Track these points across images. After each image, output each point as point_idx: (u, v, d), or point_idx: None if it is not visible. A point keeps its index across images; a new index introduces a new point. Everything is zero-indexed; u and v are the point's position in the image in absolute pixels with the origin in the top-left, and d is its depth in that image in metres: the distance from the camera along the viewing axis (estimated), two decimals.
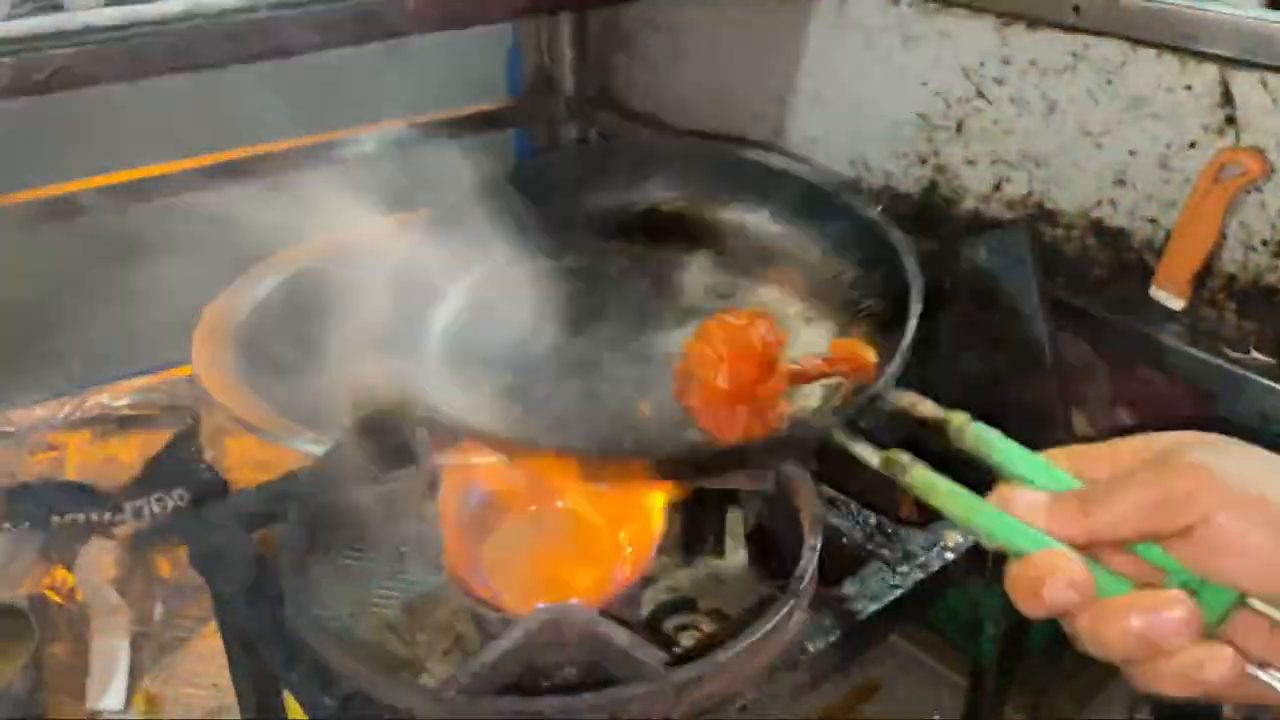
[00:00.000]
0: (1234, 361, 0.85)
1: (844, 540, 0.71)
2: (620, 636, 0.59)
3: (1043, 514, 0.43)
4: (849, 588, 0.67)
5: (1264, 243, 0.84)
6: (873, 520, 0.73)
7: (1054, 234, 0.98)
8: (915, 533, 0.71)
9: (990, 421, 0.85)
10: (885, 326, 0.66)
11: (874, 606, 0.65)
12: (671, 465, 0.61)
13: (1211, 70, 0.82)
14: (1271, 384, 0.82)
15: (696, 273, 0.76)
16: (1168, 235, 0.89)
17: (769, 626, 0.60)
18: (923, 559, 0.69)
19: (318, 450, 0.94)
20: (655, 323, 0.72)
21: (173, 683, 0.95)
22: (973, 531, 0.44)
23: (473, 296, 0.74)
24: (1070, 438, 0.80)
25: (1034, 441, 0.83)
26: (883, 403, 0.57)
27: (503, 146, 1.54)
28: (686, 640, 0.75)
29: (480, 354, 0.70)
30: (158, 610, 1.01)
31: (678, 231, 0.77)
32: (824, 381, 0.65)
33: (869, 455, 0.51)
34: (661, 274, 0.76)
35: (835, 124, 1.15)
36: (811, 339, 0.70)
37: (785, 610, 0.61)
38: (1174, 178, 0.88)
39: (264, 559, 0.69)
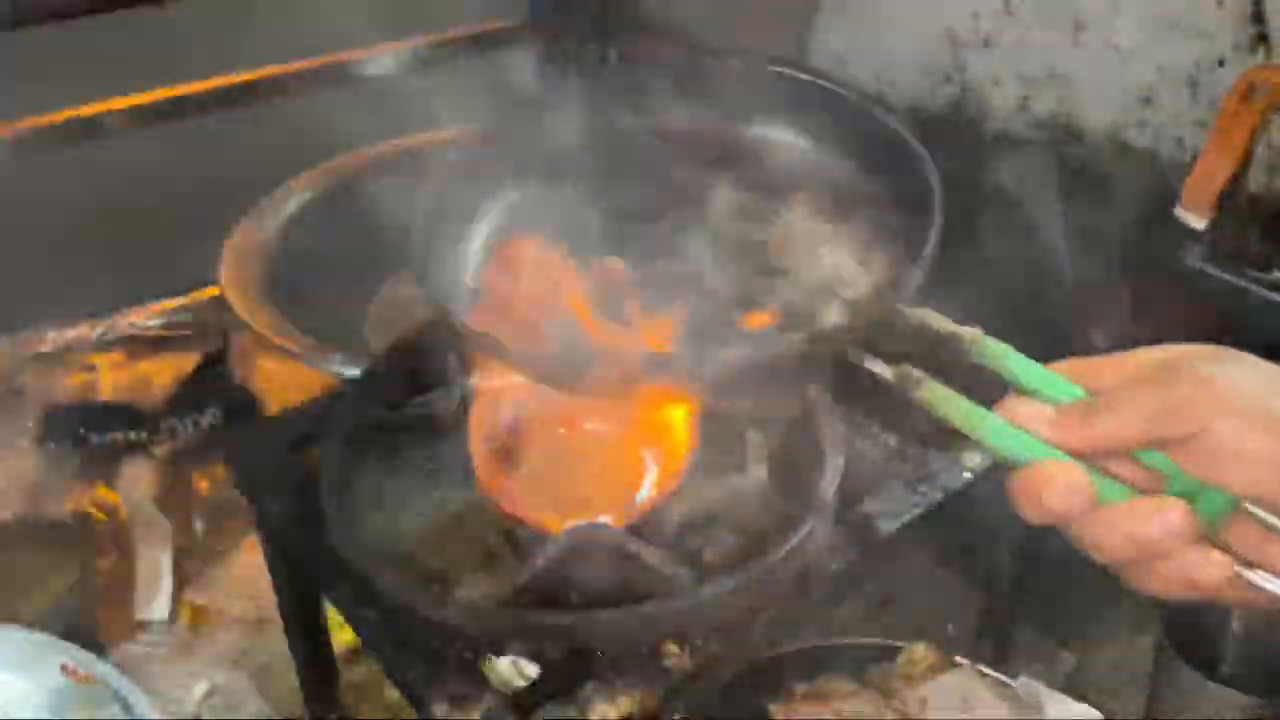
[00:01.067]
0: (1256, 282, 0.85)
1: (865, 461, 0.73)
2: (651, 554, 0.61)
3: (1047, 424, 0.44)
4: (870, 505, 0.69)
5: None
6: (893, 442, 0.75)
7: (1079, 153, 0.97)
8: (935, 453, 0.73)
9: (1007, 341, 0.86)
10: (910, 243, 0.65)
11: (895, 524, 0.67)
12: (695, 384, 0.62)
13: None
14: None
15: (724, 194, 0.75)
16: (1194, 156, 0.89)
17: (794, 543, 0.62)
18: (943, 479, 0.71)
19: (347, 371, 0.96)
20: (683, 245, 0.71)
21: (215, 595, 0.99)
22: (981, 442, 0.46)
23: (506, 219, 0.74)
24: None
25: (1051, 360, 0.84)
26: (899, 318, 0.58)
27: (523, 63, 1.53)
28: (709, 556, 0.78)
29: None
30: (198, 525, 1.04)
31: (705, 152, 0.75)
32: (845, 294, 0.67)
33: (882, 370, 0.52)
34: (689, 196, 0.74)
35: (861, 39, 1.14)
36: (835, 257, 0.69)
37: (809, 527, 0.63)
38: (1202, 97, 0.87)
39: (306, 479, 0.71)
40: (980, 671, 0.85)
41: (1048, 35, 0.96)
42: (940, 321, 0.52)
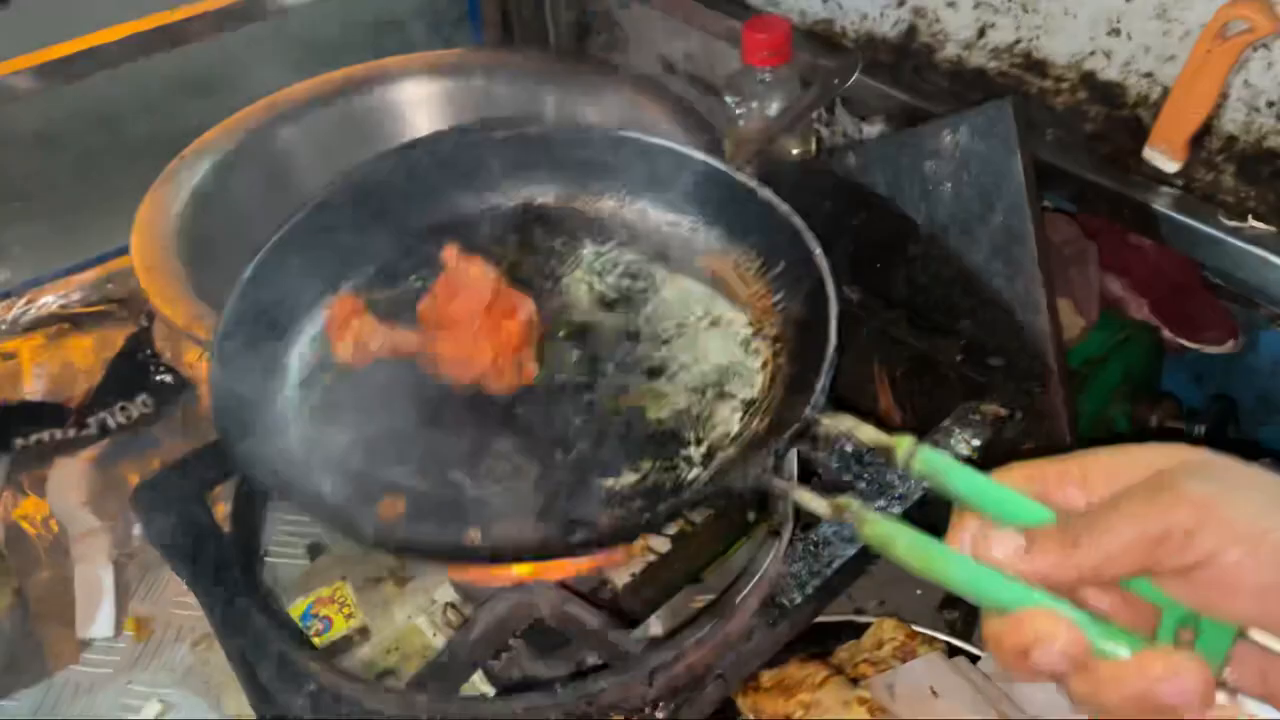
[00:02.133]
0: (1230, 230, 0.80)
1: (819, 473, 0.69)
2: (591, 619, 0.57)
3: (1021, 557, 0.39)
4: (825, 530, 0.65)
5: (1270, 104, 0.77)
6: (849, 449, 0.70)
7: (1042, 85, 0.90)
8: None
9: (972, 316, 0.81)
10: (804, 326, 0.59)
11: (850, 550, 0.64)
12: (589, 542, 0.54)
13: None
14: (1268, 256, 0.78)
15: (583, 277, 0.66)
16: (1164, 91, 0.82)
17: (744, 593, 0.58)
18: (900, 490, 0.67)
19: None
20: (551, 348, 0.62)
21: (161, 604, 0.96)
22: (945, 585, 0.40)
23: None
24: (1056, 330, 0.76)
25: (1019, 335, 0.79)
26: (815, 431, 0.50)
27: None
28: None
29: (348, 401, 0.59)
30: (136, 529, 1.00)
31: (556, 231, 0.67)
32: (741, 395, 0.58)
33: (815, 504, 0.44)
34: (544, 285, 0.65)
35: None
36: (720, 345, 0.61)
37: (758, 577, 0.59)
38: (1173, 29, 0.80)
39: (222, 533, 0.67)
40: (948, 647, 0.83)
41: None
42: (867, 431, 0.45)
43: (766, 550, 0.60)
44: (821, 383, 0.49)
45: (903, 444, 0.43)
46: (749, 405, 0.56)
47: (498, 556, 0.52)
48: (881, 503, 0.66)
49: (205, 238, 1.08)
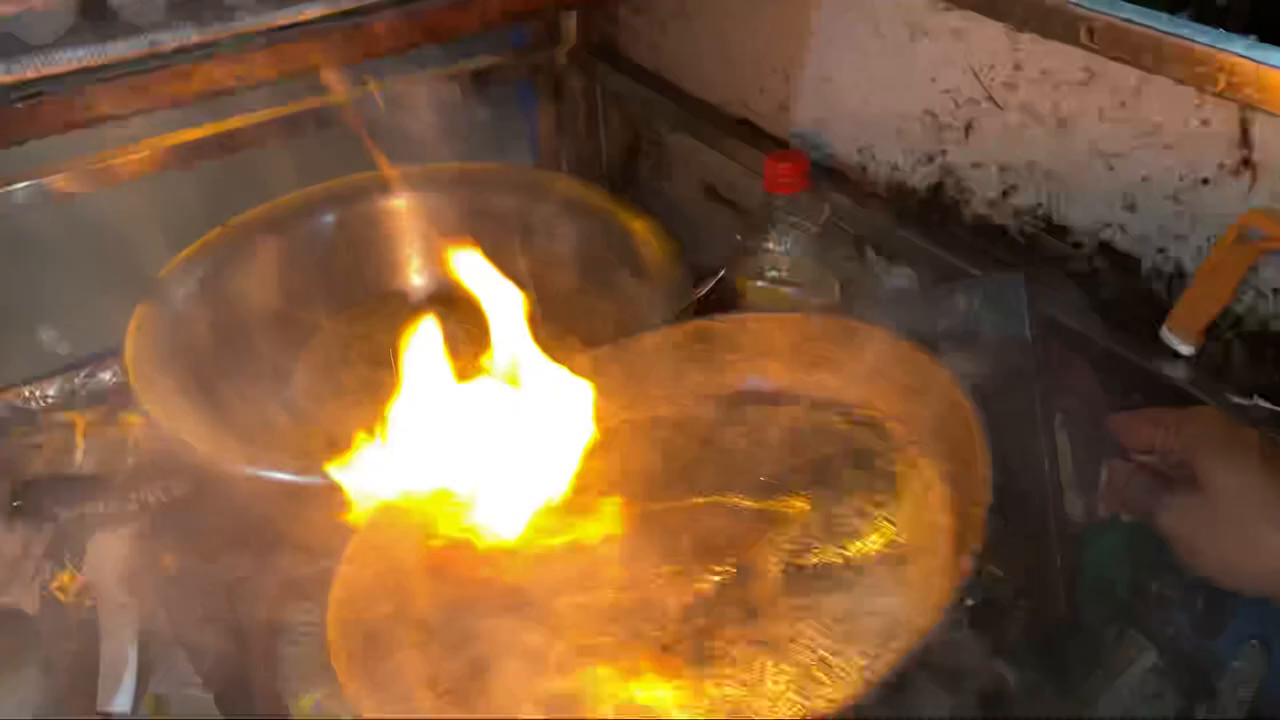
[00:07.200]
0: (1236, 408, 0.82)
1: None
2: None
3: None
4: None
5: (1275, 290, 0.80)
6: None
7: (1062, 249, 0.94)
8: None
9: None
10: None
11: None
12: None
13: (1231, 108, 0.77)
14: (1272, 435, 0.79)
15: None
16: (1177, 266, 0.85)
17: None
18: None
19: (297, 480, 0.91)
20: None
21: (177, 685, 0.98)
22: None
23: None
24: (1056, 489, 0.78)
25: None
26: None
27: (507, 97, 1.49)
28: None
29: None
30: (163, 610, 1.04)
31: None
32: None
33: None
34: None
35: (842, 109, 1.10)
36: None
37: None
38: (1185, 212, 0.83)
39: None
40: None
41: (1031, 129, 0.92)
42: None
43: None
44: None
45: None
46: None
47: None
48: None
49: (197, 344, 1.10)
